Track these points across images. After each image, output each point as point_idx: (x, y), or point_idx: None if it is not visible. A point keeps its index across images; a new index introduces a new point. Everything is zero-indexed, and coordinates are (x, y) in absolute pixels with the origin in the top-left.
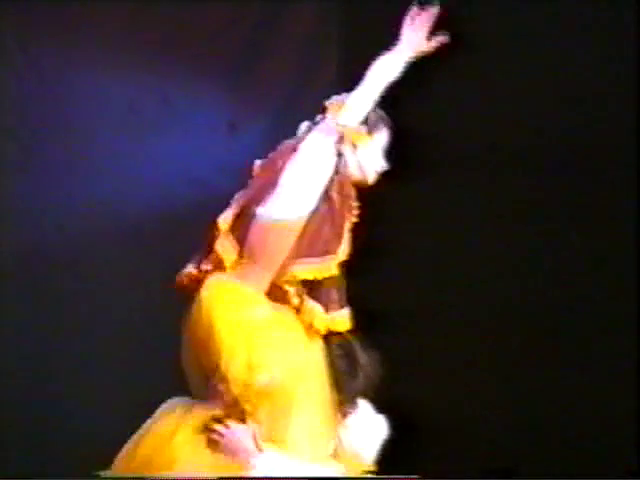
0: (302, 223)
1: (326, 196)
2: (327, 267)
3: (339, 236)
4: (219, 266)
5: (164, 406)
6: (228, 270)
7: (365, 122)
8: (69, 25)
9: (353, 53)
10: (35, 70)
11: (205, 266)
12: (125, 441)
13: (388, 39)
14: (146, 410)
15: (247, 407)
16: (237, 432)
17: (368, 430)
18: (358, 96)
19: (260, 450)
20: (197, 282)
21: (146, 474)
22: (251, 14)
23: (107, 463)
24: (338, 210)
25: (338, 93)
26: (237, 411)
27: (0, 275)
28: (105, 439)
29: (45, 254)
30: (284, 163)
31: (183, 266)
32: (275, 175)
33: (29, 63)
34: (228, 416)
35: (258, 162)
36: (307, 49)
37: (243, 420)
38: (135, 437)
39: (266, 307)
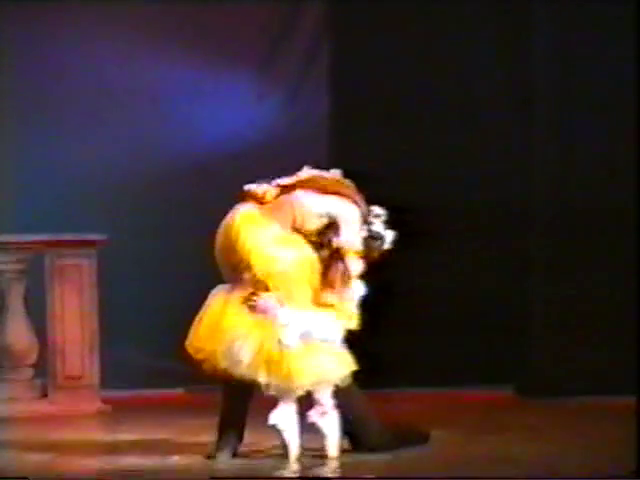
0: (302, 213)
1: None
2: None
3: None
4: (263, 198)
5: (214, 291)
6: (264, 203)
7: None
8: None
9: (342, 45)
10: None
11: (260, 192)
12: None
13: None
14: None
15: (269, 285)
16: (265, 298)
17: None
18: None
19: (281, 305)
20: (248, 197)
21: (211, 339)
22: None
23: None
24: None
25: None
26: (261, 287)
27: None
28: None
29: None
30: (334, 192)
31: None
32: (326, 190)
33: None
34: (257, 290)
35: (337, 172)
36: (309, 44)
37: (267, 291)
38: (199, 314)
39: (277, 228)
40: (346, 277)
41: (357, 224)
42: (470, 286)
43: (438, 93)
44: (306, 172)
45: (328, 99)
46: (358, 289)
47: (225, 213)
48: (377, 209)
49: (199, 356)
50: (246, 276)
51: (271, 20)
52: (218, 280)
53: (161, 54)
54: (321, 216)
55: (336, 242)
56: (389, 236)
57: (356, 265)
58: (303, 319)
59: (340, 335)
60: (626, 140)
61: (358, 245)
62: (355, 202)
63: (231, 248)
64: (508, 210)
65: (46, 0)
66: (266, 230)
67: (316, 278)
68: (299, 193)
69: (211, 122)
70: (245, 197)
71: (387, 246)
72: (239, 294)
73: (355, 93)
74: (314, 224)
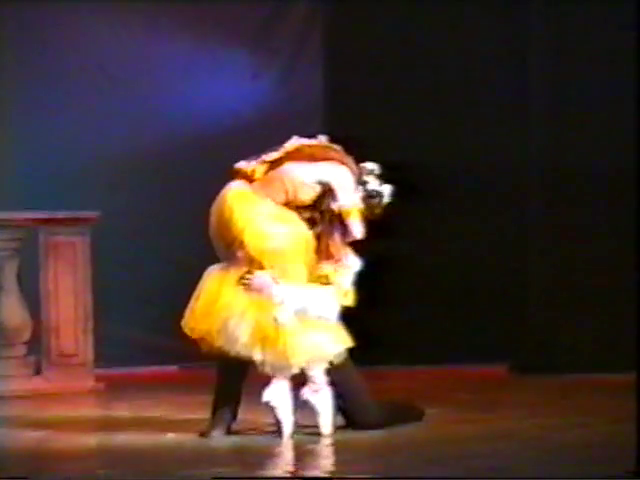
0: (294, 186)
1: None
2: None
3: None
4: (252, 176)
5: (208, 270)
6: (254, 181)
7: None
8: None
9: (336, 22)
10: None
11: (249, 169)
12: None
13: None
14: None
15: (264, 263)
16: (260, 275)
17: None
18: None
19: (277, 282)
20: (238, 175)
21: (207, 318)
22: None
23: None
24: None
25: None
26: (255, 265)
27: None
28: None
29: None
30: (322, 158)
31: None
32: (314, 158)
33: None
34: (252, 268)
35: (323, 138)
36: (303, 20)
37: (262, 269)
38: (195, 294)
39: (270, 204)
40: (343, 245)
41: (351, 184)
42: (466, 263)
43: (433, 68)
44: (292, 142)
45: (323, 75)
46: (354, 265)
47: (220, 190)
48: (368, 165)
49: (195, 335)
50: (240, 254)
51: None
52: (213, 257)
53: (156, 31)
54: (313, 185)
55: (337, 206)
56: (387, 190)
57: (358, 228)
58: (298, 296)
59: (336, 312)
60: (625, 108)
61: (359, 203)
62: (345, 164)
63: (224, 226)
64: (505, 185)
65: None
66: (259, 207)
67: (311, 254)
68: (287, 166)
69: (206, 99)
70: (235, 175)
71: (387, 200)
72: (234, 272)
73: (349, 69)
74: (308, 194)
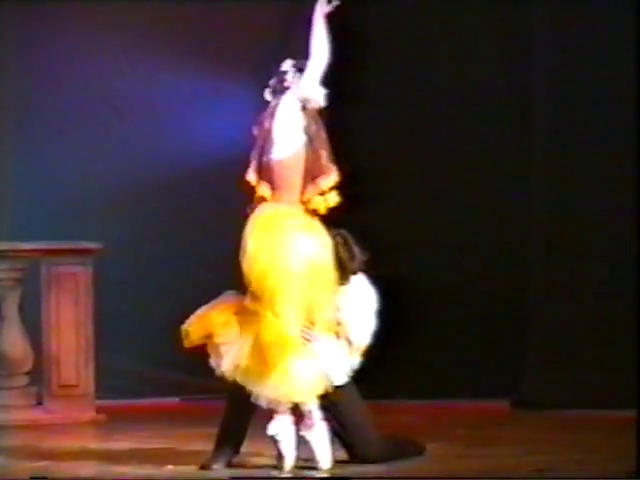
0: (299, 155)
1: (306, 135)
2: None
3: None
4: (264, 201)
5: (222, 295)
6: (269, 201)
7: None
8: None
9: (340, 52)
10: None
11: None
12: None
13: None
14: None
15: (268, 288)
16: (316, 335)
17: (361, 299)
18: (309, 73)
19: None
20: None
21: (212, 329)
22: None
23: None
24: (315, 141)
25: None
26: (262, 293)
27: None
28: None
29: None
30: (271, 122)
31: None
32: (269, 131)
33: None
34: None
35: (254, 128)
36: (307, 52)
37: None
38: (206, 307)
39: (293, 220)
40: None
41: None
42: (467, 298)
43: (441, 99)
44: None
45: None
46: (370, 324)
47: (222, 221)
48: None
49: (191, 342)
50: (250, 283)
51: (269, 28)
52: (215, 289)
53: (159, 63)
54: (296, 138)
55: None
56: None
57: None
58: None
59: (347, 371)
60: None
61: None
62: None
63: (242, 254)
64: (507, 233)
65: (44, 8)
66: (279, 222)
67: (330, 275)
68: (266, 159)
69: (209, 131)
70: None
71: None
72: (241, 304)
73: (354, 99)
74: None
